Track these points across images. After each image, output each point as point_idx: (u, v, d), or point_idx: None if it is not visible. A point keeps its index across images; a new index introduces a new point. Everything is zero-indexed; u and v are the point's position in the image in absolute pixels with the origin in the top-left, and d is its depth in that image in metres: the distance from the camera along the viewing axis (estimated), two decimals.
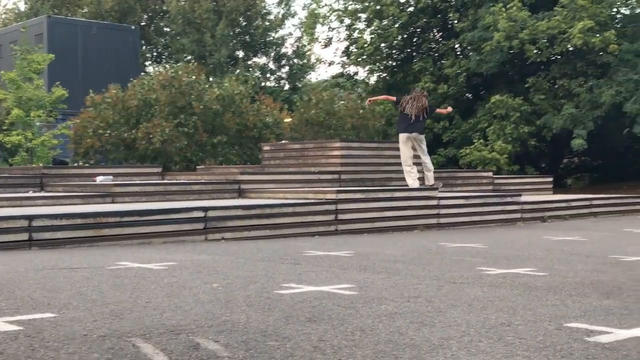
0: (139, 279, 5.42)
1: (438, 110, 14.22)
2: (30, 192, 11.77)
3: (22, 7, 50.32)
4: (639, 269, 6.19)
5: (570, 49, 22.16)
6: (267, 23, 41.61)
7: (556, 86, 23.63)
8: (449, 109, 14.60)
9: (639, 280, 5.45)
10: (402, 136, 12.28)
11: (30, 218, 7.92)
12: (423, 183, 12.44)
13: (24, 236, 7.83)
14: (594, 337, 3.48)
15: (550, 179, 17.21)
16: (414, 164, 12.43)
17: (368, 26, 27.36)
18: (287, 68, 43.65)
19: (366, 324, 3.75)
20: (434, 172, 12.86)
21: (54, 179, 12.67)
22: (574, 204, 13.81)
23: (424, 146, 12.48)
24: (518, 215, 12.56)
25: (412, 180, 12.29)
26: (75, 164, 18.26)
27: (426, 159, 12.50)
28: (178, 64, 25.44)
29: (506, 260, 6.90)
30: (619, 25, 24.49)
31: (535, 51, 22.63)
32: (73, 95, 20.71)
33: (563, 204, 13.56)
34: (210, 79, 22.67)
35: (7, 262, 6.45)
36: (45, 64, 20.01)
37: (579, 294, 4.80)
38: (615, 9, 24.61)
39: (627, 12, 24.97)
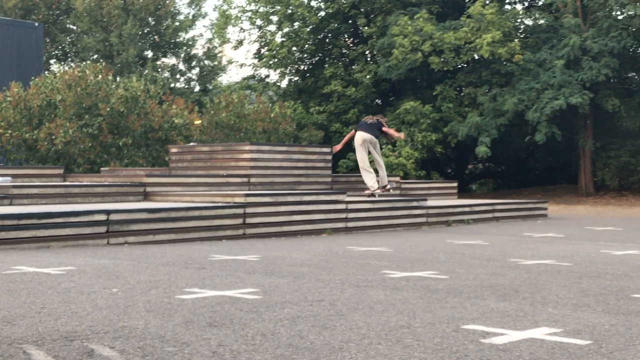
0: (34, 284, 5.23)
1: (390, 130, 13.96)
2: None
3: None
4: (535, 272, 6.40)
5: (477, 57, 22.82)
6: (177, 23, 41.04)
7: (462, 94, 24.27)
8: (401, 135, 14.43)
9: (535, 284, 5.64)
10: (358, 139, 12.95)
11: None
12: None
13: None
14: (489, 338, 3.57)
15: (455, 184, 17.63)
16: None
17: (279, 29, 27.40)
18: (197, 69, 43.17)
19: (267, 328, 3.73)
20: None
21: None
22: (477, 208, 14.19)
23: (378, 149, 13.32)
24: (424, 220, 12.80)
25: (372, 182, 12.94)
26: None
27: (380, 161, 13.40)
28: (84, 63, 24.75)
29: (410, 263, 7.02)
30: (522, 36, 25.39)
31: (440, 61, 23.19)
32: None
33: (467, 209, 13.91)
34: (118, 79, 22.15)
35: None
36: None
37: (477, 297, 4.92)
38: (519, 20, 25.50)
39: (530, 23, 25.92)
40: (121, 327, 3.69)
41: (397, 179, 16.49)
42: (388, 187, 13.37)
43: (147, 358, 3.07)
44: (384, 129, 13.41)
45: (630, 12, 21.66)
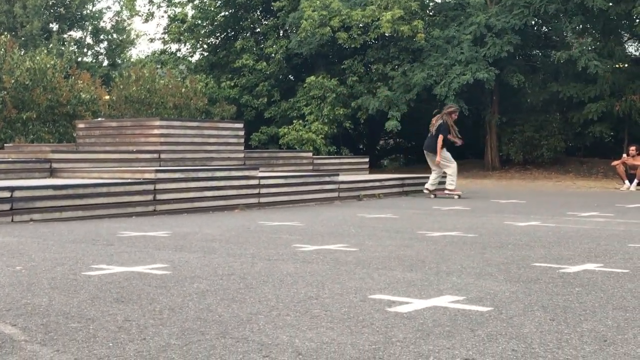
0: None
1: (450, 137, 13.69)
2: None
3: None
4: (441, 243, 6.58)
5: (386, 35, 23.07)
6: None
7: (372, 70, 24.53)
8: (459, 142, 13.91)
9: (441, 254, 5.80)
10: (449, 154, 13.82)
11: None
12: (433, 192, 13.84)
13: None
14: (394, 307, 3.67)
15: (367, 160, 17.86)
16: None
17: (189, 1, 26.93)
18: (105, 43, 41.99)
19: (176, 303, 3.72)
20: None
21: None
22: (387, 183, 14.43)
23: (435, 163, 13.66)
24: (335, 195, 12.94)
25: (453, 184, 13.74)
26: None
27: (444, 170, 13.70)
28: None
29: (321, 237, 7.10)
30: (431, 13, 25.80)
31: (348, 36, 23.35)
32: None
33: (377, 184, 14.13)
34: (22, 52, 21.32)
35: None
36: None
37: (385, 268, 5.03)
38: None
39: (439, 0, 26.37)
40: (24, 304, 3.60)
41: (310, 154, 16.57)
42: (436, 194, 13.85)
43: (50, 334, 3.02)
44: (448, 137, 13.55)
45: None
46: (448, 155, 13.75)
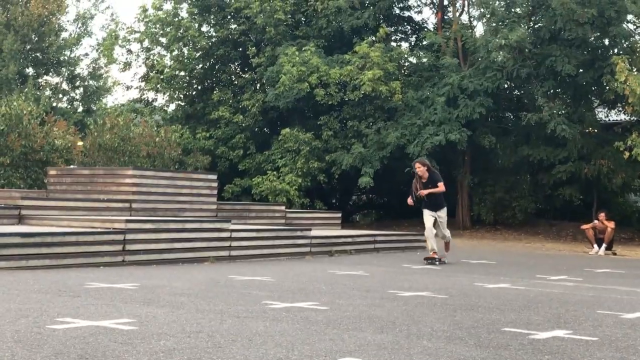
0: None
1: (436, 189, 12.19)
2: None
3: None
4: (412, 303, 6.57)
5: (362, 93, 23.36)
6: (62, 41, 39.84)
7: (347, 126, 24.75)
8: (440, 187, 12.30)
9: (412, 316, 5.78)
10: (426, 212, 12.17)
11: None
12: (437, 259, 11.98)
13: None
14: None
15: (339, 215, 17.88)
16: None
17: (168, 51, 27.11)
18: (81, 89, 41.97)
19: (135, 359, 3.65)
20: None
21: None
22: (359, 239, 14.43)
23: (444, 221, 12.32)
24: (307, 249, 12.89)
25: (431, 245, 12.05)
26: None
27: (445, 232, 12.38)
28: None
29: (291, 294, 7.04)
30: (405, 73, 26.20)
31: (325, 94, 23.63)
32: None
33: (349, 239, 14.12)
34: None
35: None
36: None
37: (355, 329, 5.00)
38: (403, 58, 26.33)
39: (414, 61, 26.81)
40: None
41: (282, 207, 16.55)
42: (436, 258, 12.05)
43: None
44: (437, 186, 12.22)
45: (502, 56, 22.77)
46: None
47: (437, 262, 11.92)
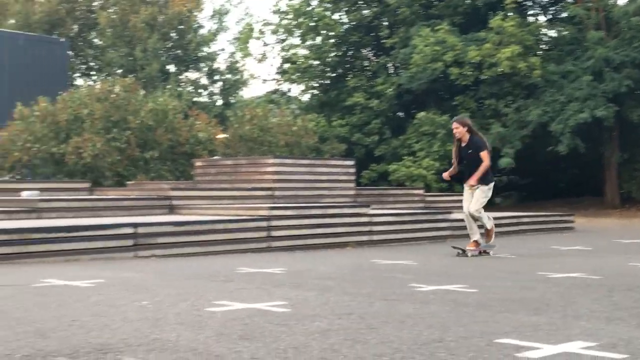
0: (64, 296, 5.27)
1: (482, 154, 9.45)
2: None
3: None
4: (565, 285, 6.33)
5: (500, 70, 22.73)
6: (200, 37, 41.33)
7: (484, 106, 24.19)
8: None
9: (565, 297, 5.57)
10: (466, 190, 9.69)
11: None
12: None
13: None
14: (523, 352, 3.53)
15: None
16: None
17: (303, 41, 27.52)
18: (219, 83, 43.41)
19: (299, 342, 3.72)
20: None
21: None
22: (502, 221, 14.07)
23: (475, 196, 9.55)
24: (448, 233, 12.73)
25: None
26: (1, 178, 17.70)
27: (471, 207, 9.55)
28: (109, 77, 24.97)
29: (437, 276, 6.97)
30: (545, 48, 25.27)
31: (460, 72, 23.15)
32: None
33: None
34: (141, 92, 22.31)
35: None
36: None
37: (508, 310, 4.88)
38: (543, 32, 25.40)
39: (555, 34, 25.80)
40: (153, 339, 3.70)
41: (421, 191, 16.41)
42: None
43: None
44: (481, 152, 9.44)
45: None
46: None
47: (464, 253, 9.32)
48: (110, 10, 39.46)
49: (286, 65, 27.69)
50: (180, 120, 19.13)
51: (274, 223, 10.45)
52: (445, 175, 10.11)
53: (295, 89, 29.85)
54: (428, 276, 7.01)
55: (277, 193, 13.28)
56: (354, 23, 26.81)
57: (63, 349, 3.45)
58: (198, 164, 15.10)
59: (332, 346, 3.61)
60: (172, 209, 11.99)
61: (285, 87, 29.48)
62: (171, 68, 41.54)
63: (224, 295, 5.44)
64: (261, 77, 41.91)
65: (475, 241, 9.48)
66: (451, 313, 4.73)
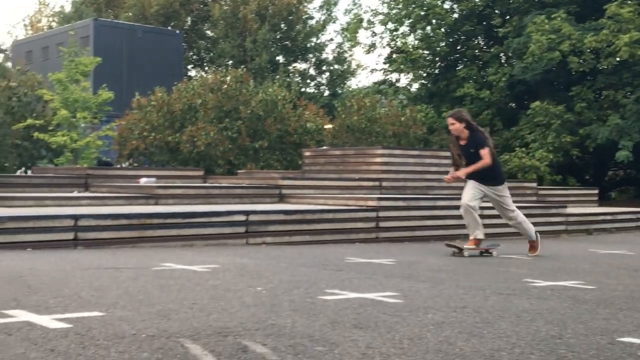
0: (183, 280, 5.45)
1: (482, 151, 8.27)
2: (76, 192, 11.93)
3: (67, 9, 51.22)
4: None
5: (618, 59, 21.81)
6: (309, 28, 41.71)
7: (602, 97, 23.28)
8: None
9: None
10: (471, 183, 8.48)
11: (76, 218, 8.02)
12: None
13: (70, 235, 7.93)
14: None
15: (596, 191, 16.91)
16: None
17: (412, 31, 27.29)
18: (327, 74, 43.69)
19: (414, 333, 3.71)
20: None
21: (99, 179, 12.82)
22: (620, 217, 13.55)
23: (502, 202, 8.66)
24: (563, 228, 12.36)
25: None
26: (120, 165, 18.50)
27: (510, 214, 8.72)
28: (220, 68, 25.58)
29: (552, 272, 6.79)
30: None
31: (578, 61, 22.33)
32: (117, 97, 20.97)
33: (609, 217, 13.31)
34: (251, 83, 22.78)
35: (53, 261, 6.53)
36: (92, 67, 20.30)
37: (630, 308, 4.69)
38: None
39: None
40: (270, 324, 3.77)
41: (534, 184, 15.97)
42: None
43: (299, 356, 3.12)
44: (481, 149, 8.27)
45: None
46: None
47: (463, 252, 8.23)
48: (222, 2, 40.39)
49: (395, 55, 27.54)
50: (289, 110, 19.39)
51: (383, 214, 10.44)
52: (447, 178, 8.64)
53: (404, 79, 29.64)
54: (543, 271, 6.83)
55: (384, 184, 13.25)
56: (465, 12, 26.34)
57: (185, 330, 3.57)
58: (307, 153, 15.26)
59: (447, 339, 3.58)
60: (281, 198, 12.18)
61: (393, 77, 29.35)
62: (280, 59, 42.14)
63: (335, 284, 5.48)
64: (369, 67, 41.87)
65: (476, 238, 8.29)
66: (570, 309, 4.59)
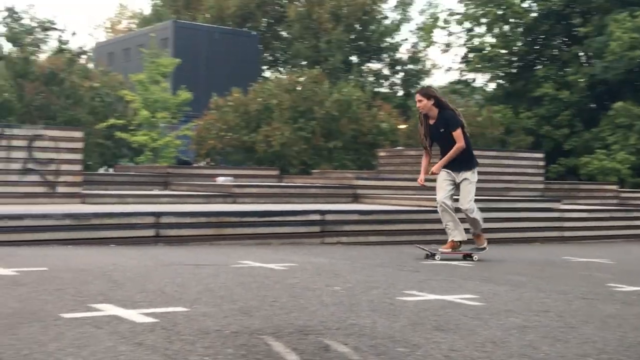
0: (261, 278, 5.51)
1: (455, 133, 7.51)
2: (156, 190, 12.23)
3: (146, 11, 52.50)
4: None
5: None
6: (383, 28, 41.60)
7: None
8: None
9: None
10: (442, 174, 7.75)
11: (157, 215, 8.22)
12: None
13: (151, 232, 8.13)
14: None
15: None
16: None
17: (489, 31, 26.90)
18: (401, 74, 43.47)
19: (496, 336, 3.65)
20: None
21: (178, 178, 13.10)
22: None
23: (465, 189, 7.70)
24: None
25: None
26: (198, 164, 18.86)
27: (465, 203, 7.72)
28: (294, 69, 25.77)
29: (637, 277, 6.58)
30: None
31: None
32: (194, 97, 21.39)
33: None
34: (326, 83, 22.89)
35: (136, 257, 6.71)
36: (172, 68, 20.76)
37: None
38: None
39: None
40: (350, 324, 3.78)
41: (615, 187, 15.53)
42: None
43: (381, 357, 3.12)
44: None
45: None
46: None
47: (435, 256, 7.54)
48: (297, 3, 40.69)
49: (471, 55, 27.20)
50: (364, 110, 19.39)
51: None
52: (421, 179, 7.87)
53: (480, 79, 29.25)
54: (628, 276, 6.63)
55: None
56: (544, 11, 25.80)
57: (267, 327, 3.61)
58: (381, 154, 15.22)
59: (531, 343, 3.52)
60: (355, 198, 12.18)
61: (469, 76, 28.98)
62: (354, 59, 42.16)
63: (413, 285, 5.45)
64: (444, 67, 41.58)
65: (453, 241, 7.60)
66: None
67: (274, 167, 16.38)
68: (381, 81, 43.72)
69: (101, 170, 20.29)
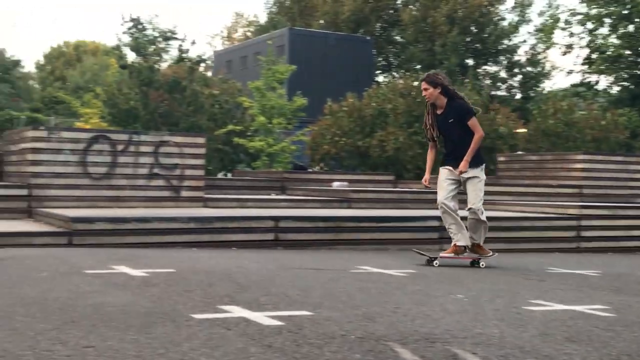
0: (382, 284, 5.49)
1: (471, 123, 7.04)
2: (273, 194, 12.44)
3: (262, 19, 53.65)
4: None
5: None
6: (500, 30, 40.76)
7: None
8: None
9: None
10: (443, 171, 7.36)
11: (276, 219, 8.35)
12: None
13: (271, 236, 8.27)
14: None
15: None
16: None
17: (613, 31, 25.85)
18: (519, 76, 42.44)
19: (632, 349, 3.49)
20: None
21: (294, 183, 13.28)
22: None
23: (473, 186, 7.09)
24: None
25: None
26: (313, 170, 19.06)
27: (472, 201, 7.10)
28: (407, 73, 25.60)
29: None
30: None
31: None
32: (309, 103, 21.65)
33: None
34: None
35: (257, 260, 6.84)
36: (288, 74, 21.10)
37: None
38: None
39: None
40: (477, 333, 3.70)
41: None
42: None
43: None
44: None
45: None
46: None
47: (434, 262, 7.05)
48: (412, 7, 40.52)
49: (594, 56, 26.22)
50: (481, 114, 19.02)
51: (585, 223, 9.95)
52: (426, 179, 7.44)
53: (603, 81, 28.14)
54: None
55: (585, 191, 12.62)
56: None
57: (391, 334, 3.59)
58: (501, 159, 14.88)
59: None
60: None
61: (592, 79, 27.94)
62: (469, 62, 41.52)
63: (539, 295, 5.29)
64: (564, 69, 40.22)
65: (456, 245, 7.08)
66: None
67: (388, 172, 16.31)
68: (498, 84, 42.82)
69: (220, 175, 20.86)
